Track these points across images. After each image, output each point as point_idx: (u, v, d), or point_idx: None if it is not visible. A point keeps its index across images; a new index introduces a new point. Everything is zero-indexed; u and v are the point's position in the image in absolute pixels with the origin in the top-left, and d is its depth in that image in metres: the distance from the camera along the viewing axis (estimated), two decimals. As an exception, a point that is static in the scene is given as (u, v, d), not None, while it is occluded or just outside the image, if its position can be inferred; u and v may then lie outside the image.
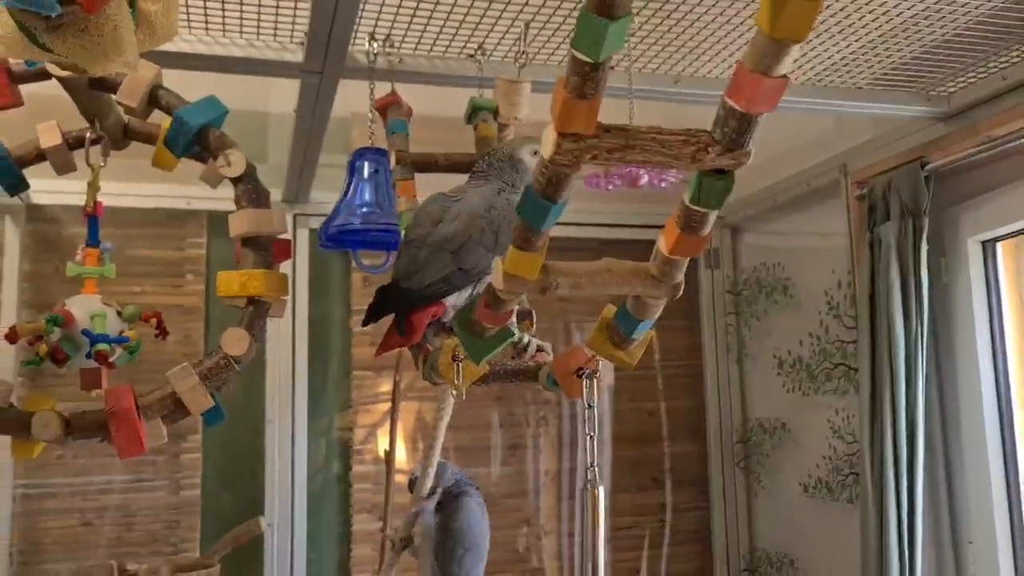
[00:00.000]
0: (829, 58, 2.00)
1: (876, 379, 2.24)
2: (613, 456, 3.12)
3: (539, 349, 1.32)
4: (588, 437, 1.09)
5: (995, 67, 2.03)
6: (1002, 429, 2.22)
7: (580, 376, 1.17)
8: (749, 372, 3.11)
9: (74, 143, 1.51)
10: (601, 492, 1.06)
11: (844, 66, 2.05)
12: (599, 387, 1.15)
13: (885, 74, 2.13)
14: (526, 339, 1.33)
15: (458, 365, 1.18)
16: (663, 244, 0.90)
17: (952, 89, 2.16)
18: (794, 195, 2.77)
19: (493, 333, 1.05)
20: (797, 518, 2.82)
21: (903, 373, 2.19)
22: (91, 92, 1.36)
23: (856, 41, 1.92)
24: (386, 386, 2.85)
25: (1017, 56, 1.97)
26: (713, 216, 0.88)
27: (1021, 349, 2.26)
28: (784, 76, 0.78)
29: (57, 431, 1.24)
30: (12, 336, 1.35)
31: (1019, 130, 2.00)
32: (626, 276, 0.94)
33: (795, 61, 2.00)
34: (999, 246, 2.28)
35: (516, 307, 1.40)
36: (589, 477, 1.08)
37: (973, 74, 2.08)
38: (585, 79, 0.75)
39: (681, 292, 0.94)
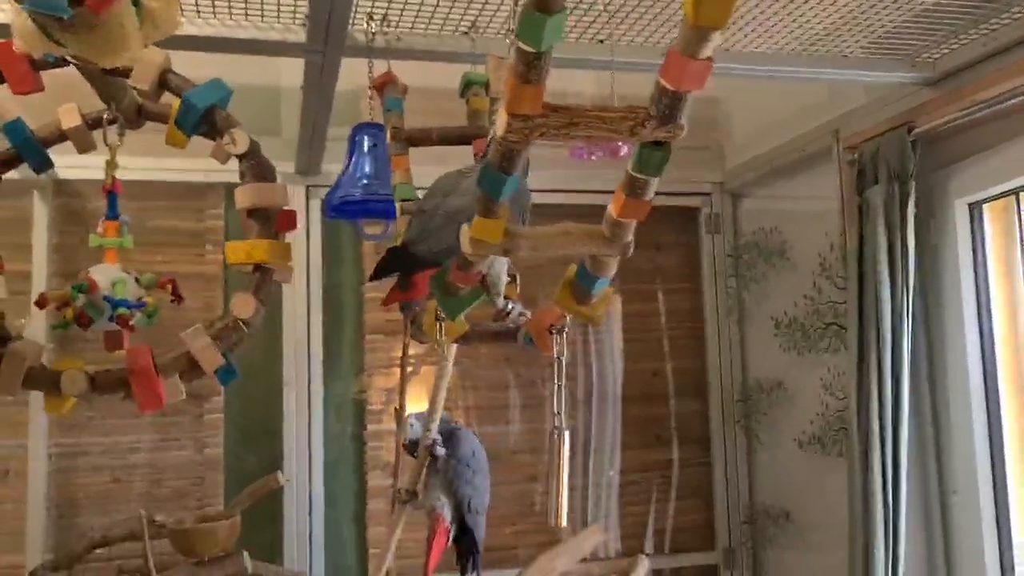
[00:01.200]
0: (811, 29, 2.06)
1: (863, 337, 2.32)
2: (620, 415, 3.24)
3: (520, 314, 1.43)
4: (556, 387, 1.20)
5: (976, 34, 2.09)
6: (986, 384, 2.30)
7: (552, 333, 1.27)
8: (748, 333, 3.21)
9: (93, 124, 1.63)
10: (567, 437, 1.17)
11: (828, 36, 2.11)
12: (568, 343, 1.26)
13: (872, 43, 2.19)
14: (510, 305, 1.44)
15: (441, 324, 1.29)
16: (612, 209, 1.01)
17: (936, 56, 2.22)
18: (790, 160, 2.84)
19: (466, 292, 1.16)
20: (792, 472, 2.93)
21: (889, 330, 2.27)
22: (106, 77, 1.47)
23: (837, 12, 1.98)
24: (398, 350, 2.97)
25: (996, 23, 2.03)
26: (655, 183, 0.98)
27: (1005, 307, 2.34)
28: (709, 59, 0.87)
29: (84, 386, 1.37)
30: (42, 302, 1.49)
31: (1001, 94, 2.05)
32: (581, 238, 1.04)
33: (780, 31, 2.07)
34: (986, 208, 2.35)
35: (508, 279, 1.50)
36: (556, 424, 1.20)
37: (955, 41, 2.13)
38: (530, 67, 0.85)
39: (631, 251, 1.05)
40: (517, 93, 0.86)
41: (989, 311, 2.32)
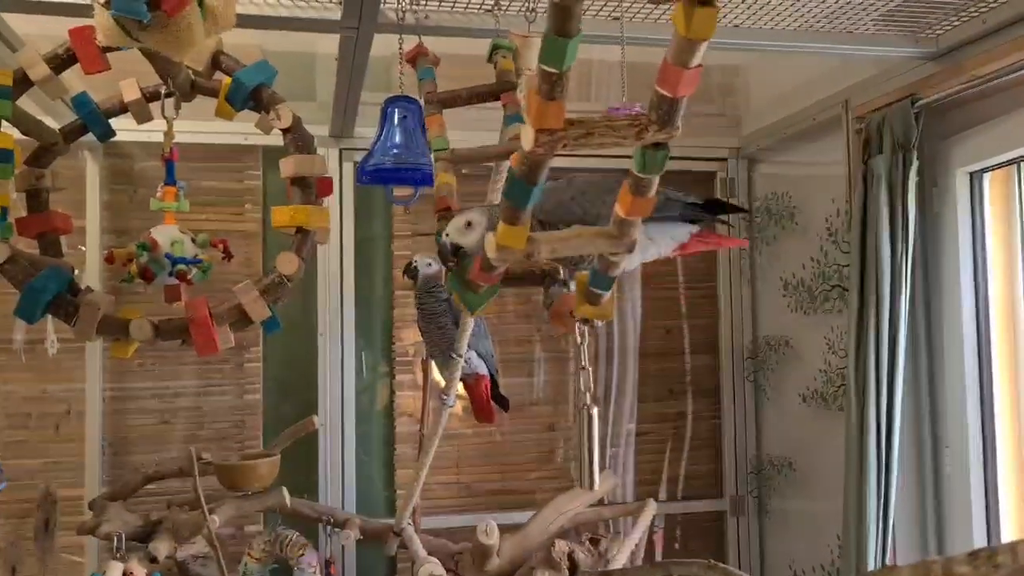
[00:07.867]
0: (827, 7, 2.16)
1: (864, 298, 2.44)
2: (637, 369, 3.40)
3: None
4: (580, 369, 1.32)
5: (976, 11, 2.18)
6: (979, 346, 2.41)
7: (572, 317, 1.40)
8: (759, 293, 3.35)
9: (150, 97, 1.80)
10: (595, 412, 1.29)
11: (841, 12, 2.21)
12: (589, 330, 1.38)
13: (880, 17, 2.28)
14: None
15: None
16: (619, 208, 1.13)
17: (940, 31, 2.31)
18: (803, 128, 2.95)
19: (485, 289, 1.30)
20: (796, 425, 3.08)
21: (888, 292, 2.38)
22: (164, 57, 1.63)
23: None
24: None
25: (995, 1, 2.13)
26: (656, 180, 1.10)
27: (1002, 273, 2.45)
28: (699, 66, 1.00)
29: (149, 334, 1.56)
30: (110, 258, 1.67)
31: (1001, 68, 2.15)
32: (592, 237, 1.15)
33: (798, 9, 2.17)
34: (986, 177, 2.45)
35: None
36: (586, 401, 1.31)
37: (957, 18, 2.23)
38: (553, 86, 0.95)
39: (636, 248, 1.18)
40: (543, 110, 0.95)
41: (985, 277, 2.43)
